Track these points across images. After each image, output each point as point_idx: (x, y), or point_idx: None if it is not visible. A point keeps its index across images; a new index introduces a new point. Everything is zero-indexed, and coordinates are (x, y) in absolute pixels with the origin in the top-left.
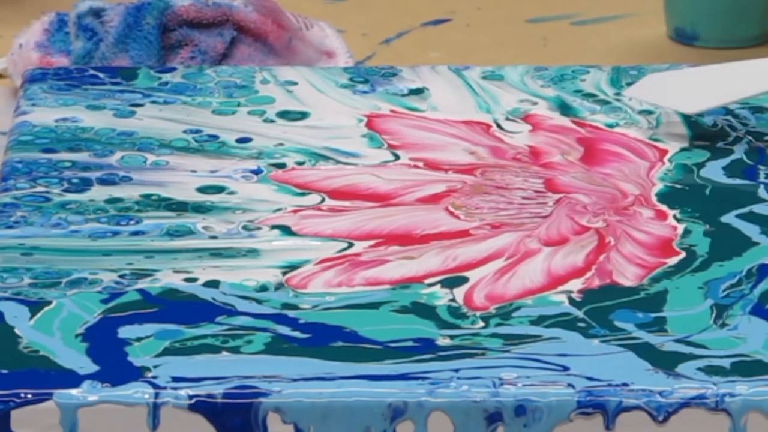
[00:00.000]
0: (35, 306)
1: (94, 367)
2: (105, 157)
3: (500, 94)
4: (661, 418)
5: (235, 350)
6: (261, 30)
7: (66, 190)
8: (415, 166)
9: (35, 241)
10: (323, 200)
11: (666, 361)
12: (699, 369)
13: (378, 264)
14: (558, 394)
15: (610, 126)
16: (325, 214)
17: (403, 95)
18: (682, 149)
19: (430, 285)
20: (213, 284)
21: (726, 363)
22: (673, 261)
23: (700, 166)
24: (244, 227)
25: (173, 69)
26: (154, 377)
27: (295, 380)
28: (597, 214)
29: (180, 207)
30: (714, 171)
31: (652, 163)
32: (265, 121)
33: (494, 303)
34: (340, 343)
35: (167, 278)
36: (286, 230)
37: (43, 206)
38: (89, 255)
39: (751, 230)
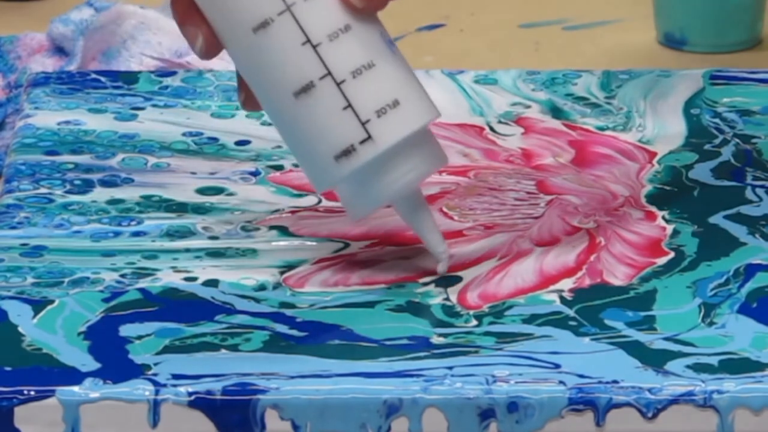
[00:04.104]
0: (38, 305)
1: (95, 365)
2: (107, 159)
3: (493, 98)
4: (650, 415)
5: (234, 348)
6: None
7: (68, 192)
8: None
9: (38, 241)
10: (320, 201)
11: (655, 359)
12: (687, 366)
13: (373, 264)
14: (549, 391)
15: (601, 129)
16: (322, 215)
17: None
18: (671, 152)
19: (425, 284)
20: (212, 283)
21: (714, 361)
22: (662, 261)
23: (689, 168)
24: (243, 228)
25: (173, 73)
26: (155, 375)
27: (292, 377)
28: (588, 215)
29: (180, 208)
30: (702, 173)
31: (642, 165)
32: (263, 124)
33: (487, 302)
34: (337, 341)
35: (167, 277)
36: (284, 231)
37: (46, 207)
38: (91, 255)
39: (738, 231)
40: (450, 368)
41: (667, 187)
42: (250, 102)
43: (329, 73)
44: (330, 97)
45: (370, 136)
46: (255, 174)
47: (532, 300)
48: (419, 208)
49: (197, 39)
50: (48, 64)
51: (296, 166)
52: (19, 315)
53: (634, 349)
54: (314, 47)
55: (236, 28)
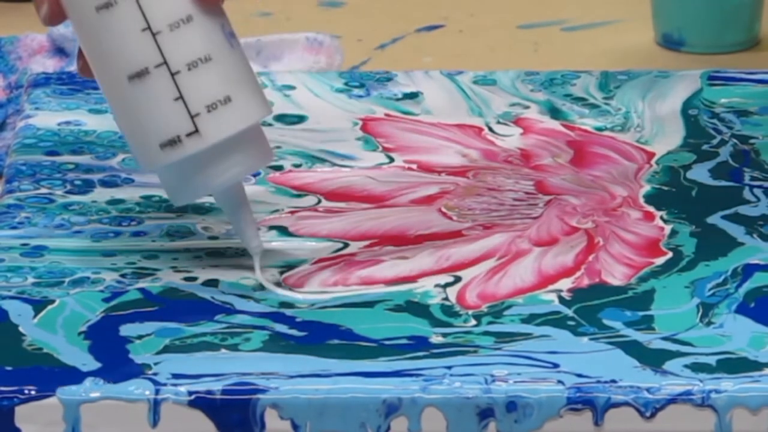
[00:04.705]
0: (39, 305)
1: (96, 365)
2: (107, 159)
3: (492, 99)
4: (648, 414)
5: (234, 348)
6: None
7: (69, 192)
8: (409, 169)
9: (39, 241)
10: (319, 202)
11: (653, 359)
12: (686, 366)
13: (373, 264)
14: (548, 391)
15: (599, 129)
16: (322, 216)
17: (398, 99)
18: (669, 152)
19: (424, 284)
20: (212, 283)
21: (712, 360)
22: (660, 261)
23: (687, 168)
24: None
25: None
26: (155, 374)
27: (292, 377)
28: (586, 215)
29: (180, 208)
30: (700, 173)
31: (640, 165)
32: (263, 124)
33: (486, 302)
34: (336, 341)
35: (167, 277)
36: (284, 231)
37: (47, 207)
38: (92, 255)
39: (736, 231)
40: (449, 368)
41: (666, 188)
42: (86, 70)
43: (165, 63)
44: (162, 87)
45: (197, 130)
46: (255, 174)
47: (530, 300)
48: (238, 202)
49: (42, 7)
50: (48, 64)
51: (296, 166)
52: (20, 315)
53: (633, 349)
54: (153, 35)
55: (81, 4)
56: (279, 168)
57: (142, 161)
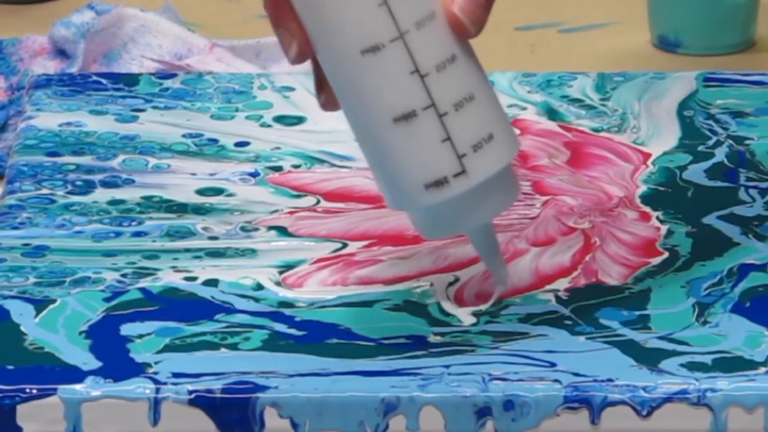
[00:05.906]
0: (40, 304)
1: (97, 364)
2: (108, 160)
3: None
4: (644, 413)
5: (234, 347)
6: None
7: (70, 192)
8: None
9: (40, 241)
10: (318, 202)
11: (650, 358)
12: (681, 365)
13: (371, 264)
14: (545, 390)
15: (596, 130)
16: (321, 216)
17: None
18: (665, 153)
19: (422, 284)
20: (212, 283)
21: (708, 359)
22: (656, 261)
23: (683, 169)
24: (242, 228)
25: (174, 75)
26: (155, 373)
27: (291, 376)
28: (583, 216)
29: (180, 208)
30: (696, 174)
31: (636, 166)
32: (263, 125)
33: (484, 301)
34: (335, 340)
35: (168, 277)
36: (283, 231)
37: (48, 208)
38: (92, 255)
39: (731, 231)
40: (447, 367)
41: (662, 188)
42: (330, 103)
43: (433, 105)
44: (430, 128)
45: (464, 171)
46: (254, 175)
47: (528, 299)
48: (491, 237)
49: (291, 46)
50: (50, 66)
51: (295, 167)
52: (21, 314)
53: (629, 348)
54: (422, 77)
55: (343, 47)
56: (278, 169)
57: (399, 201)
